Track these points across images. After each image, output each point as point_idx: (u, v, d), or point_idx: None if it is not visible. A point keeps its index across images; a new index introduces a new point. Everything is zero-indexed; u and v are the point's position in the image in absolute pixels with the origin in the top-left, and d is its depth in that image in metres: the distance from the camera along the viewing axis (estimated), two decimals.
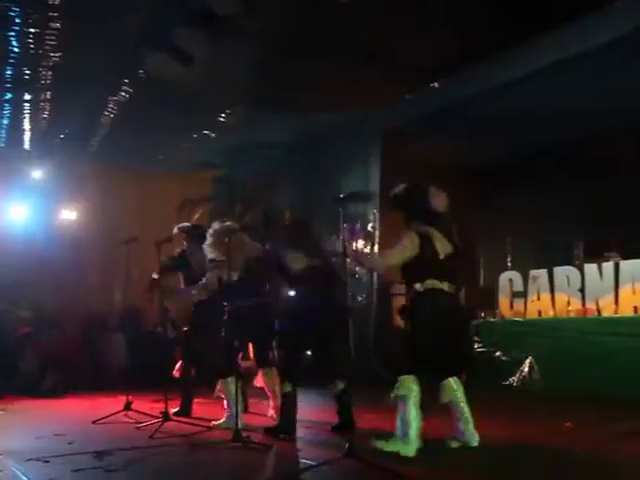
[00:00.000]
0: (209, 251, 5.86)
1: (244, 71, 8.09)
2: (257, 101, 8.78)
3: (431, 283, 4.59)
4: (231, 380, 5.61)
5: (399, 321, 6.15)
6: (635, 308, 7.51)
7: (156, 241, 6.06)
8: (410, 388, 4.46)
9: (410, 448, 4.38)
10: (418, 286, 4.61)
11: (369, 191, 9.40)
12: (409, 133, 9.30)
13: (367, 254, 4.69)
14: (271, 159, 10.94)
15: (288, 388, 5.33)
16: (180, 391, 6.73)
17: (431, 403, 4.62)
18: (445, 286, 4.63)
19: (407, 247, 4.65)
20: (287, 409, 5.33)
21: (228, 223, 5.93)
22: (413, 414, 4.44)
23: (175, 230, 6.91)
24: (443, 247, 4.69)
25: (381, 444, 4.47)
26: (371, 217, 9.58)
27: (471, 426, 4.64)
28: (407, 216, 4.84)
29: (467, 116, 8.65)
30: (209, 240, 5.86)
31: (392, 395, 4.51)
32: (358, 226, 9.55)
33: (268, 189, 11.22)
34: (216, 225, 5.94)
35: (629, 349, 7.09)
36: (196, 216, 11.30)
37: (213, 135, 9.93)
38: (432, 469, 4.26)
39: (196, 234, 6.84)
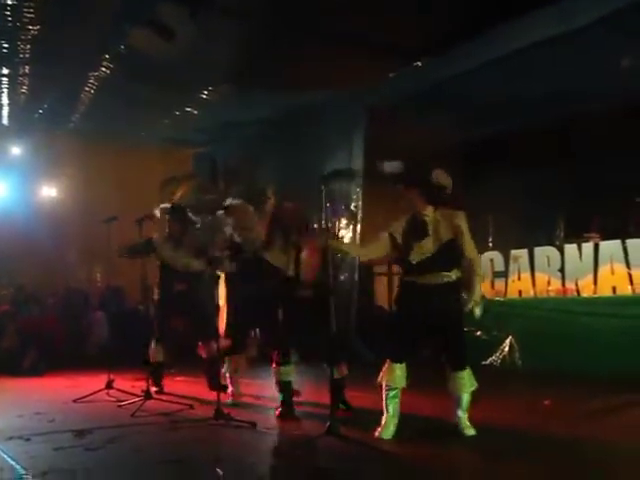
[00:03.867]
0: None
1: (226, 48, 8.00)
2: (240, 78, 8.70)
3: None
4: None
5: (382, 301, 6.07)
6: (614, 288, 7.58)
7: (137, 219, 6.02)
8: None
9: None
10: (457, 273, 4.55)
11: (352, 169, 9.38)
12: (392, 111, 9.27)
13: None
14: (254, 136, 10.87)
15: (290, 377, 5.41)
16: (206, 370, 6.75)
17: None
18: None
19: None
20: (289, 393, 5.44)
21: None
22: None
23: (157, 213, 6.87)
24: None
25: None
26: (354, 196, 9.57)
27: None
28: (426, 196, 4.53)
29: (450, 95, 8.63)
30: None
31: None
32: (341, 205, 9.54)
33: (250, 166, 11.16)
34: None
35: (607, 328, 7.17)
36: (178, 194, 11.25)
37: (195, 112, 9.83)
38: (410, 445, 4.31)
39: (178, 213, 6.84)
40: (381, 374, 4.58)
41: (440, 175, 4.53)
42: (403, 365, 4.55)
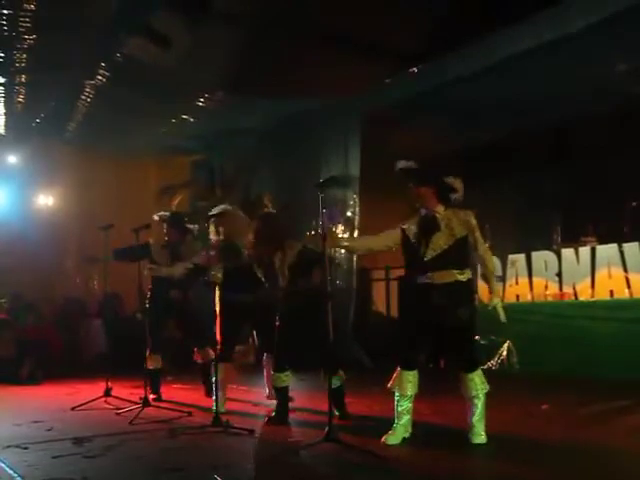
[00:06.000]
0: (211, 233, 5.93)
1: (222, 55, 8.02)
2: (236, 86, 8.71)
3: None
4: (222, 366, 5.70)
5: (380, 307, 6.02)
6: (611, 292, 7.60)
7: (133, 228, 6.01)
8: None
9: None
10: (469, 273, 4.54)
11: (349, 176, 9.39)
12: (389, 117, 9.28)
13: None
14: (251, 144, 10.88)
15: (286, 383, 5.38)
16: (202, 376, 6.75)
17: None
18: None
19: None
20: (285, 400, 5.41)
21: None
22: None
23: (155, 217, 6.89)
24: None
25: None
26: (351, 202, 9.57)
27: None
28: (438, 194, 4.55)
29: (445, 101, 8.64)
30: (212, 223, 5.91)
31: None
32: (337, 211, 9.54)
33: (247, 174, 11.17)
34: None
35: (605, 332, 7.19)
36: (175, 202, 11.25)
37: (192, 120, 9.84)
38: (408, 451, 4.31)
39: (176, 221, 6.84)
40: (392, 380, 4.56)
41: (454, 179, 4.58)
42: (415, 372, 4.53)
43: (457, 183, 4.57)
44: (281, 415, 5.36)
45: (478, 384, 4.50)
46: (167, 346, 6.94)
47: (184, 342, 7.08)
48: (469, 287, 4.56)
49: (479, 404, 4.48)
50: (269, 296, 5.79)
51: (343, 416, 5.36)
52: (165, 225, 6.85)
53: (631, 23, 6.52)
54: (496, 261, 8.82)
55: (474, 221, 4.53)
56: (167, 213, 7.01)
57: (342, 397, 5.39)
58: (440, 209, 4.54)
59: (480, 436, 4.45)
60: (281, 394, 5.40)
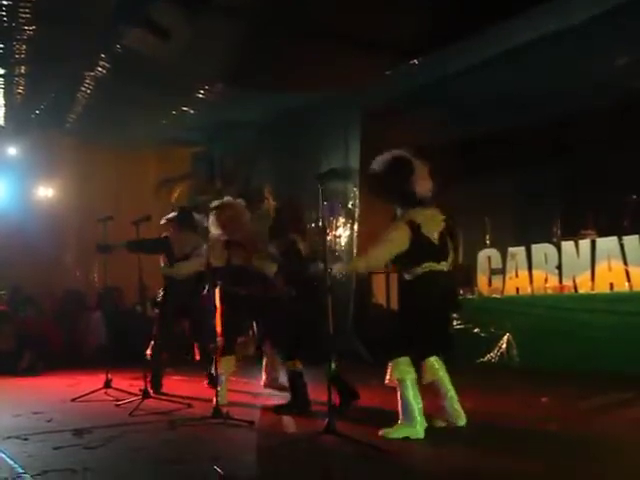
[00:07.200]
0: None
1: (222, 48, 7.99)
2: (236, 78, 8.69)
3: (428, 266, 4.49)
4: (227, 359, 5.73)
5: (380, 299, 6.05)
6: (611, 285, 7.60)
7: (133, 221, 6.00)
8: (405, 370, 4.44)
9: (418, 430, 4.37)
10: (417, 269, 4.49)
11: (349, 168, 9.38)
12: (389, 110, 9.27)
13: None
14: (251, 136, 10.86)
15: (294, 366, 5.39)
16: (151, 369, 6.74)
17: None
18: (443, 266, 4.56)
19: (395, 241, 4.46)
20: (299, 386, 5.41)
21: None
22: (412, 395, 4.42)
23: (163, 221, 6.90)
24: (435, 227, 4.55)
25: (387, 432, 4.38)
26: (351, 195, 9.57)
27: (457, 405, 4.61)
28: (390, 201, 4.63)
29: (446, 94, 8.63)
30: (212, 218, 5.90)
31: (386, 381, 4.50)
32: (338, 204, 9.53)
33: (247, 166, 11.15)
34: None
35: (605, 325, 7.19)
36: (175, 195, 11.26)
37: (192, 112, 9.82)
38: (408, 444, 4.31)
39: (183, 218, 6.84)
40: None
41: (417, 181, 4.53)
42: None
43: (420, 183, 4.53)
44: (302, 402, 5.35)
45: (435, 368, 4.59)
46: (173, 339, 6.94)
47: (188, 338, 7.07)
48: (411, 284, 4.61)
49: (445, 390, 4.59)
50: (271, 291, 5.82)
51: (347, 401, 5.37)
52: (172, 224, 6.84)
53: (633, 15, 6.50)
54: (496, 254, 8.86)
55: (387, 230, 4.55)
56: (174, 214, 7.00)
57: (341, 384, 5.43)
58: (399, 211, 4.62)
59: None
60: (298, 379, 5.40)
